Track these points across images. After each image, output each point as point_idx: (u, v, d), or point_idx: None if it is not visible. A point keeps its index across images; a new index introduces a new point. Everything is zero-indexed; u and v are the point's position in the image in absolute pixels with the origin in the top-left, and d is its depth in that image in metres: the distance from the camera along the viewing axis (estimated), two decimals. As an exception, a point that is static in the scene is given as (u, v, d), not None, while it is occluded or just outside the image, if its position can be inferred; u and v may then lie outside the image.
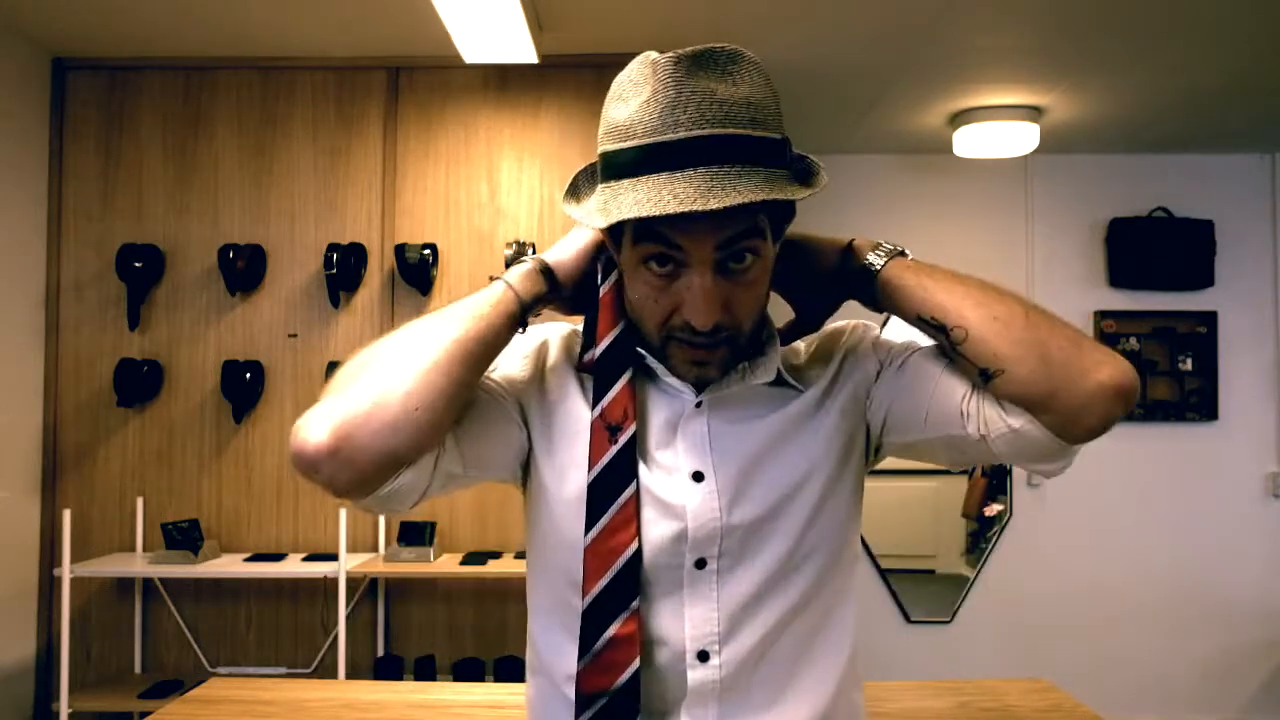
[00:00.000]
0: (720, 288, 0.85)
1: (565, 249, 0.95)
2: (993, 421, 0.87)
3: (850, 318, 1.04)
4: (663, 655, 0.90)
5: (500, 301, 0.89)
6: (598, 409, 0.90)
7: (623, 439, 0.89)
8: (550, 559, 0.95)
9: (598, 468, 0.88)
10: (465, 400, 0.88)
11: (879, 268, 0.92)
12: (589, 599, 0.87)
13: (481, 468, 0.92)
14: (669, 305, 0.86)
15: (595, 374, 0.92)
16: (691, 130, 0.80)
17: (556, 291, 0.94)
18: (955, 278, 0.91)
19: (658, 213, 0.79)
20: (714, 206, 0.78)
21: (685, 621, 0.90)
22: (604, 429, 0.89)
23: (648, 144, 0.81)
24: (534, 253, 3.18)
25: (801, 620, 0.93)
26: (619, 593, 0.86)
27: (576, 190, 0.93)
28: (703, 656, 0.90)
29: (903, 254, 0.94)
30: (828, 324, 1.03)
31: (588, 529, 0.87)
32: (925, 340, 0.95)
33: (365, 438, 0.81)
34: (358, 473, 0.82)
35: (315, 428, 0.82)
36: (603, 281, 0.94)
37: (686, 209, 0.78)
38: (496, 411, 0.93)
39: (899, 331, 1.01)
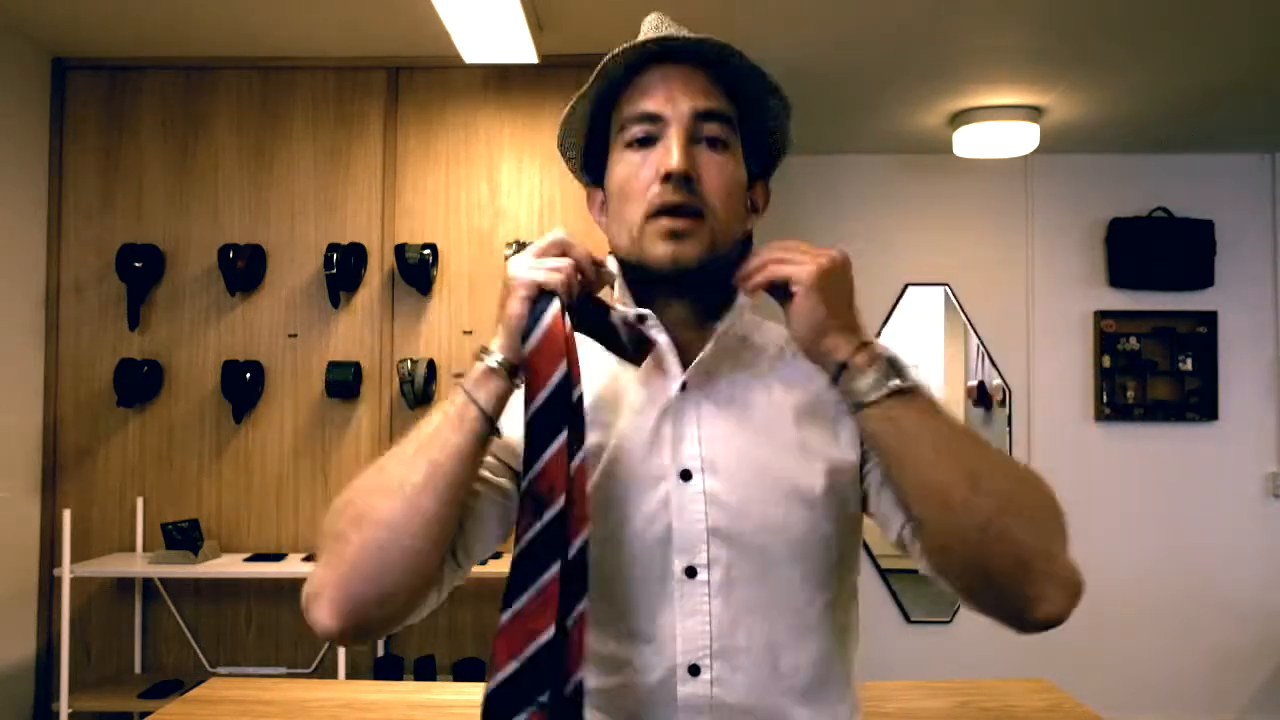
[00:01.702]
0: (692, 152, 0.89)
1: (505, 327, 0.84)
2: (922, 566, 0.88)
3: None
4: (653, 668, 0.87)
5: (464, 422, 0.82)
6: (526, 478, 0.80)
7: (548, 514, 0.79)
8: None
9: (520, 545, 0.79)
10: (459, 518, 0.85)
11: (865, 403, 0.83)
12: (494, 684, 0.80)
13: (483, 553, 0.91)
14: (649, 179, 0.89)
15: (526, 439, 0.81)
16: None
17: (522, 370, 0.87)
18: (940, 453, 0.81)
19: (642, 39, 0.90)
20: (691, 36, 0.89)
21: (677, 634, 0.86)
22: (530, 500, 0.80)
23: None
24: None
25: (800, 633, 0.89)
26: (525, 683, 0.78)
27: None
28: (694, 670, 0.86)
29: (902, 390, 0.82)
30: None
31: (504, 607, 0.80)
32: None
33: (371, 611, 0.80)
34: (375, 634, 0.84)
35: (323, 613, 0.80)
36: (534, 328, 0.83)
37: (664, 34, 0.90)
38: (489, 506, 0.89)
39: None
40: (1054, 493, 0.84)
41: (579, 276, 0.85)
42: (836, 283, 0.85)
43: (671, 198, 0.88)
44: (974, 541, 0.79)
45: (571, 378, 0.82)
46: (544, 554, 0.79)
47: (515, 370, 0.83)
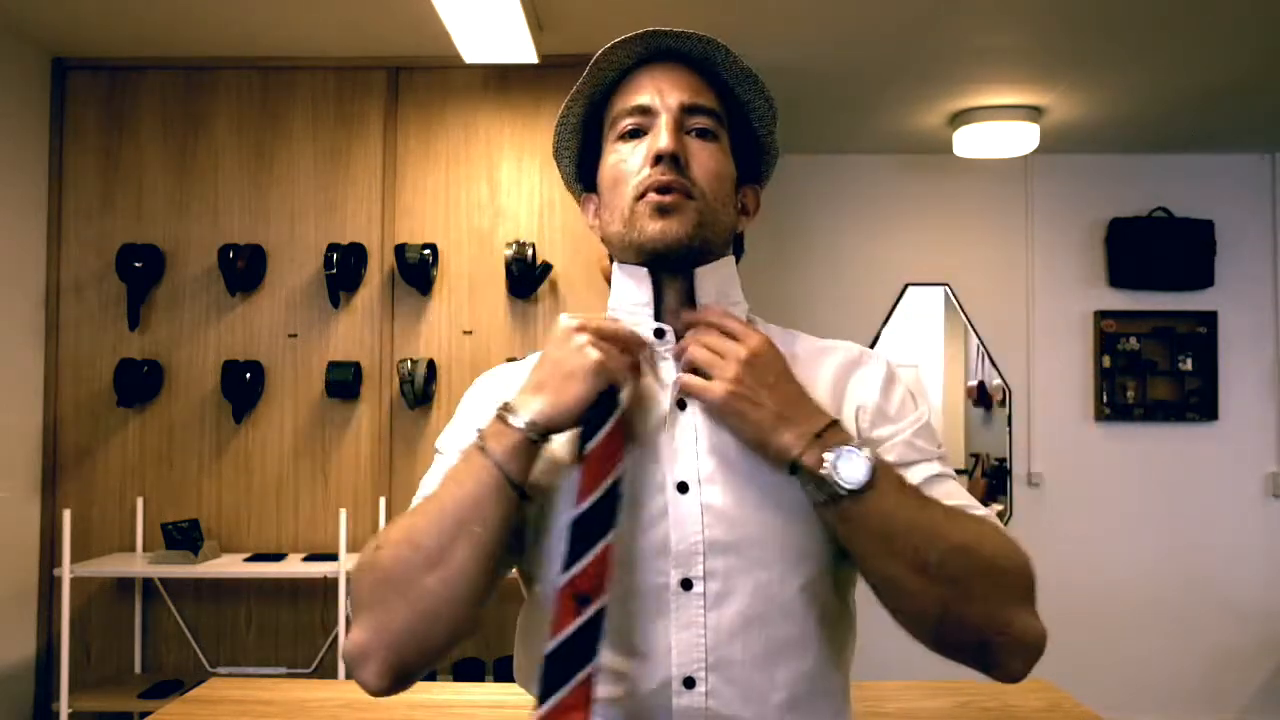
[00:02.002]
0: (681, 138, 0.91)
1: (559, 404, 0.83)
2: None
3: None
4: (648, 681, 0.86)
5: (501, 492, 0.83)
6: (567, 576, 0.81)
7: (590, 612, 0.80)
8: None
9: (556, 641, 0.81)
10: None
11: (844, 491, 0.81)
12: None
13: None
14: (639, 164, 0.92)
15: (571, 535, 0.82)
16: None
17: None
18: (894, 545, 0.81)
19: (635, 32, 0.92)
20: (678, 30, 0.91)
21: (672, 646, 0.85)
22: (570, 599, 0.80)
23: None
24: (533, 255, 3.18)
25: (795, 646, 0.88)
26: None
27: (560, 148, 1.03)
28: (689, 683, 0.85)
29: (851, 493, 0.81)
30: (830, 341, 1.01)
31: (540, 701, 0.81)
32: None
33: (418, 668, 0.86)
34: (419, 677, 0.88)
35: (372, 674, 0.84)
36: (599, 427, 0.83)
37: (653, 29, 0.92)
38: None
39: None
40: (1015, 552, 0.85)
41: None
42: (759, 384, 0.84)
43: (661, 177, 0.89)
44: (931, 624, 0.83)
45: (622, 482, 0.83)
46: (584, 649, 0.81)
47: (547, 435, 0.84)
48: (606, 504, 0.82)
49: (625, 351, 0.85)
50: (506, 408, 0.84)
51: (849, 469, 0.80)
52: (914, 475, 0.89)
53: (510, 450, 0.83)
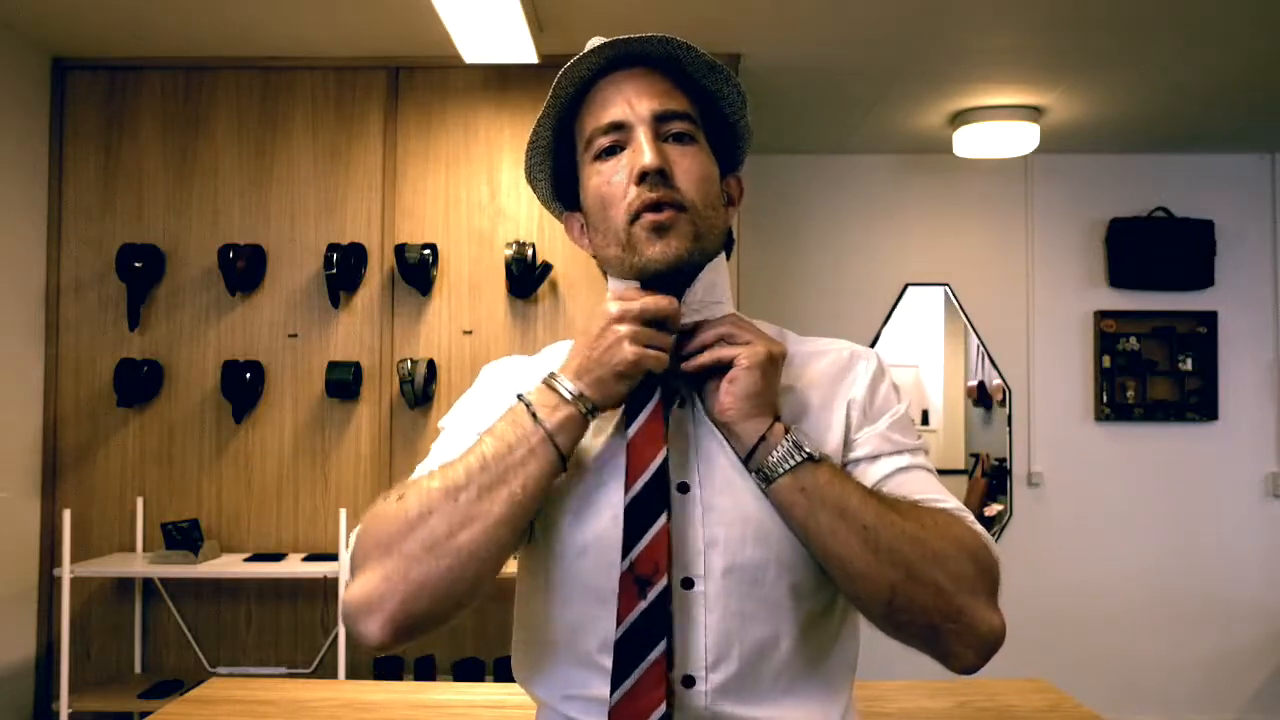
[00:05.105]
0: (661, 148, 0.90)
1: (602, 387, 0.85)
2: None
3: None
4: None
5: (545, 460, 0.84)
6: (627, 560, 0.84)
7: (652, 593, 0.83)
8: (559, 614, 0.91)
9: (624, 626, 0.83)
10: None
11: (779, 473, 0.84)
12: None
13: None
14: (624, 182, 0.90)
15: (626, 520, 0.85)
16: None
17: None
18: (843, 521, 0.83)
19: (589, 49, 0.91)
20: (636, 36, 0.90)
21: (674, 644, 0.86)
22: (633, 582, 0.83)
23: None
24: (533, 255, 3.18)
25: (797, 645, 0.89)
26: None
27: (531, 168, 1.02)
28: (689, 682, 0.86)
29: (812, 458, 0.84)
30: (829, 342, 1.02)
31: (613, 689, 0.84)
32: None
33: (425, 626, 0.83)
34: (414, 641, 0.85)
35: (375, 625, 0.82)
36: (638, 412, 0.88)
37: (610, 40, 0.90)
38: None
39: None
40: (975, 542, 0.86)
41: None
42: (773, 366, 0.87)
43: (650, 195, 0.89)
44: (881, 606, 0.84)
45: (669, 461, 0.87)
46: (651, 631, 0.83)
47: (595, 411, 0.86)
48: (656, 486, 0.85)
49: (664, 330, 0.86)
50: (554, 381, 0.85)
51: (797, 444, 0.84)
52: (883, 467, 0.92)
53: (562, 421, 0.84)
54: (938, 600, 0.82)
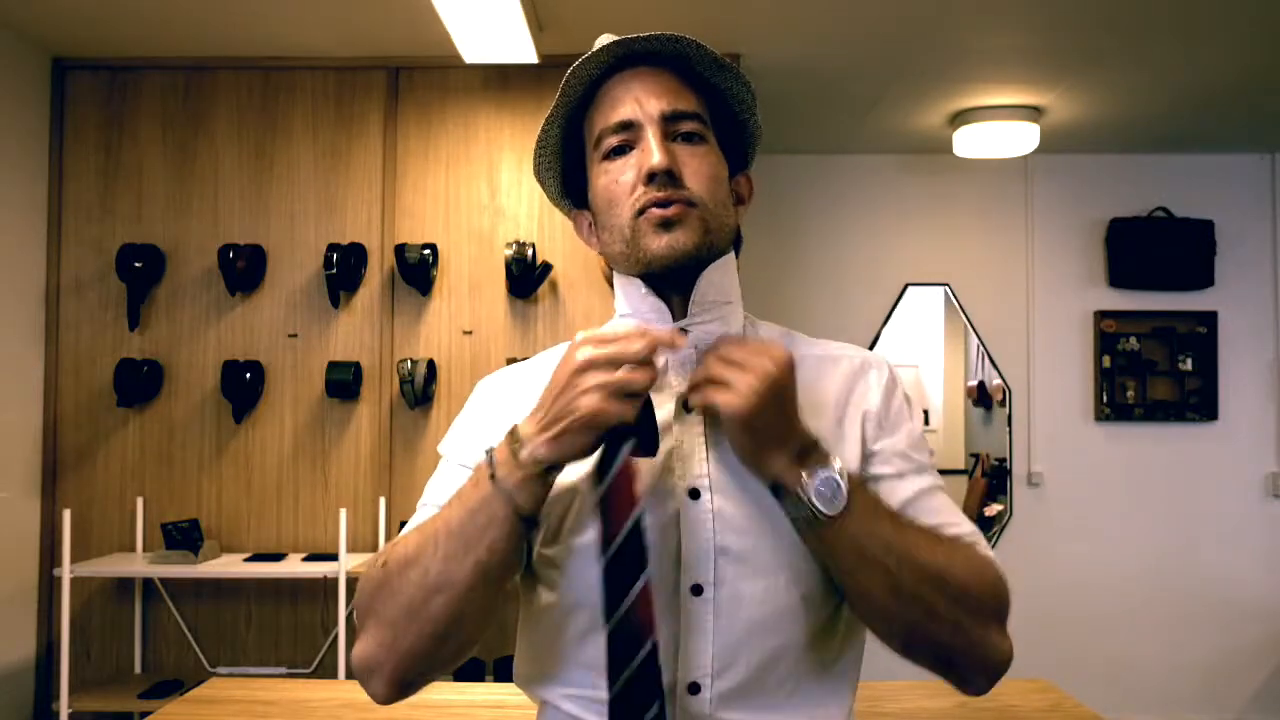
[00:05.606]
0: (670, 148, 0.89)
1: (560, 447, 0.80)
2: None
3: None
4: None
5: (508, 523, 0.81)
6: (612, 619, 0.80)
7: (642, 653, 0.80)
8: (563, 624, 0.90)
9: (617, 685, 0.80)
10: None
11: (828, 515, 0.81)
12: None
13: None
14: (632, 181, 0.90)
15: (606, 575, 0.80)
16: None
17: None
18: (866, 565, 0.82)
19: (605, 42, 0.91)
20: (644, 35, 0.89)
21: (680, 652, 0.85)
22: (622, 640, 0.80)
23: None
24: (533, 255, 3.18)
25: (804, 654, 0.88)
26: None
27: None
28: (694, 688, 0.86)
29: (830, 519, 0.81)
30: (840, 349, 1.00)
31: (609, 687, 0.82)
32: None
33: (424, 680, 0.88)
34: (424, 687, 0.90)
35: (380, 686, 0.87)
36: (605, 475, 0.81)
37: (619, 39, 0.90)
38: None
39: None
40: (990, 573, 0.86)
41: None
42: (774, 402, 0.81)
43: (658, 194, 0.88)
44: (899, 640, 0.86)
45: (645, 517, 0.81)
46: (643, 694, 0.80)
47: (556, 469, 0.82)
48: (633, 544, 0.80)
49: (642, 368, 0.79)
50: (515, 438, 0.81)
51: (825, 494, 0.80)
52: (907, 487, 0.91)
53: (520, 482, 0.80)
54: (955, 636, 0.84)
